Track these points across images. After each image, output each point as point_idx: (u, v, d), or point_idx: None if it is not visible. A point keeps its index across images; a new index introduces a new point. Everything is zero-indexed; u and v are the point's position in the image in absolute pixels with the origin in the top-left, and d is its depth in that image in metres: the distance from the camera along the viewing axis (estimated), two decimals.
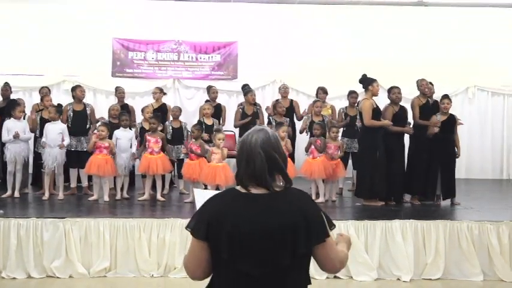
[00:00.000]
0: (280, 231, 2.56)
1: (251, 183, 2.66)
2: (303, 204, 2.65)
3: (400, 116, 9.33)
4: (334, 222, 2.81)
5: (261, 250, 2.56)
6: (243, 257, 2.56)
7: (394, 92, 9.33)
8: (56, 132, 9.20)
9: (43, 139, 9.26)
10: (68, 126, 9.69)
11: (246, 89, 11.08)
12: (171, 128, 10.12)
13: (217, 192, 2.89)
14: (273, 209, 2.60)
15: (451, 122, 9.40)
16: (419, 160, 9.39)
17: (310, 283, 2.72)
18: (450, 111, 9.48)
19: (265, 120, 10.72)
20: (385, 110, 9.34)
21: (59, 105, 9.90)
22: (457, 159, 9.60)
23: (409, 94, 9.93)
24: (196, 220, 2.67)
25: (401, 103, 9.49)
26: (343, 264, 2.76)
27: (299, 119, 11.18)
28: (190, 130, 9.64)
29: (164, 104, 11.12)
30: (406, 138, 9.66)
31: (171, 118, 10.44)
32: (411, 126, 9.50)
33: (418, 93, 9.70)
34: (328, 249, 2.66)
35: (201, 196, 2.90)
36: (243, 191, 2.68)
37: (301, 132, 10.73)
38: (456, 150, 9.52)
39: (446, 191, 9.36)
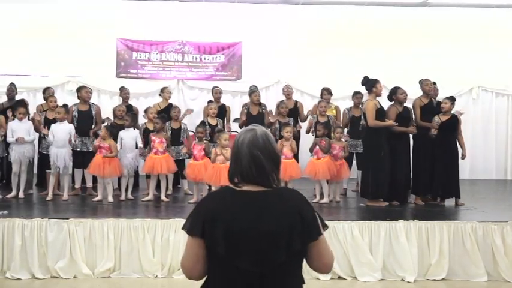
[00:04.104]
0: (275, 229, 2.61)
1: (241, 181, 2.73)
2: (297, 203, 2.71)
3: (404, 116, 9.33)
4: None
5: (256, 247, 2.60)
6: (239, 254, 2.60)
7: (401, 93, 9.32)
8: (64, 132, 9.21)
9: (49, 139, 9.27)
10: (73, 126, 9.74)
11: (251, 89, 11.11)
12: (170, 128, 10.12)
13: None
14: (268, 207, 2.66)
15: (453, 122, 9.39)
16: (423, 160, 9.39)
17: (303, 282, 2.77)
18: (454, 112, 9.49)
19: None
20: (389, 110, 9.33)
21: (65, 105, 9.91)
22: (459, 159, 9.58)
23: (413, 95, 9.91)
24: (191, 220, 2.71)
25: (405, 103, 9.49)
26: (332, 264, 2.83)
27: (302, 121, 11.18)
28: (194, 131, 9.65)
29: (170, 104, 11.13)
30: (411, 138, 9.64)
31: None
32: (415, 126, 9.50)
33: (421, 93, 9.70)
34: (321, 247, 2.71)
35: None
36: (238, 188, 2.73)
37: (307, 132, 10.73)
38: (461, 150, 9.52)
39: (449, 190, 9.36)
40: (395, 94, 9.37)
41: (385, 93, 9.55)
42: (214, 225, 2.61)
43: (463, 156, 9.57)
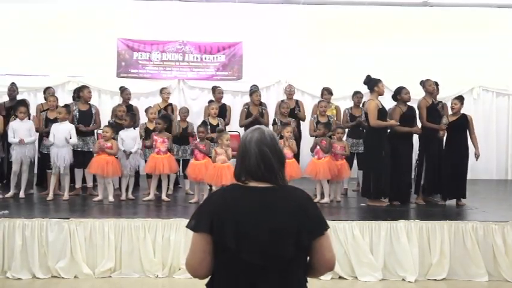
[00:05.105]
0: (283, 224, 2.65)
1: (248, 179, 2.76)
2: (302, 199, 2.76)
3: (408, 116, 9.30)
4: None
5: (265, 243, 2.62)
6: (248, 249, 2.61)
7: (405, 92, 9.30)
8: (65, 132, 9.20)
9: (50, 139, 9.26)
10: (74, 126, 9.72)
11: (252, 89, 11.10)
12: (178, 128, 10.15)
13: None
14: (276, 202, 2.70)
15: (462, 123, 9.36)
16: (429, 160, 9.37)
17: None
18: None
19: (270, 121, 10.74)
20: (393, 111, 9.32)
21: (67, 105, 9.91)
22: (474, 159, 9.56)
23: (415, 95, 9.89)
24: (197, 216, 2.73)
25: (408, 103, 9.47)
26: (334, 263, 2.84)
27: (303, 120, 11.18)
28: (195, 131, 9.69)
29: (170, 104, 11.14)
30: (415, 138, 9.61)
31: (178, 118, 10.48)
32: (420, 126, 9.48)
33: (423, 93, 9.67)
34: (325, 242, 2.75)
35: None
36: (245, 185, 2.77)
37: (311, 135, 10.63)
38: (474, 150, 9.49)
39: (455, 191, 9.34)
40: (399, 94, 9.34)
41: (386, 93, 9.51)
42: (224, 221, 2.63)
43: (476, 156, 9.52)
